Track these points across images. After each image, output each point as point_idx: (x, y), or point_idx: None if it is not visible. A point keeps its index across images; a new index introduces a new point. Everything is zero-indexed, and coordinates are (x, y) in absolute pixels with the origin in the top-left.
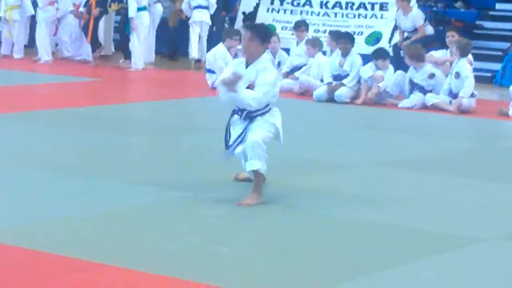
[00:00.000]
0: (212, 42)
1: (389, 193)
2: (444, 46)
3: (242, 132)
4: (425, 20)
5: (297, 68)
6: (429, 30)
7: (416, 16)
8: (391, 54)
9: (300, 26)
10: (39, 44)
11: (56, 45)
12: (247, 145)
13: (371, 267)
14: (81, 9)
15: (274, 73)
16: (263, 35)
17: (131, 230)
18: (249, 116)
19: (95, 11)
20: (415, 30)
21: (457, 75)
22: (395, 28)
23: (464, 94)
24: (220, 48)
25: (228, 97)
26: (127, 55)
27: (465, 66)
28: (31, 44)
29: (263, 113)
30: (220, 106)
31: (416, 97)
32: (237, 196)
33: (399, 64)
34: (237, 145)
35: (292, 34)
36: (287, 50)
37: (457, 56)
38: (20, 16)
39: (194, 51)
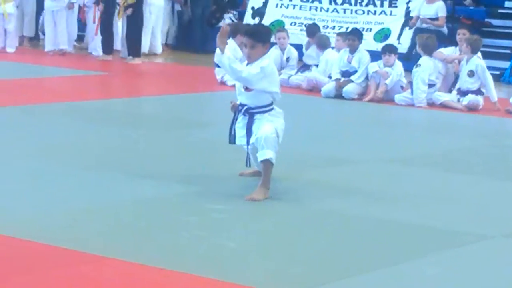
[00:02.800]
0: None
1: (395, 189)
2: (453, 43)
3: (246, 133)
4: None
5: (308, 66)
6: (444, 29)
7: (441, 6)
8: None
9: (315, 32)
10: (45, 34)
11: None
12: (260, 139)
13: (377, 263)
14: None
15: (258, 68)
16: (264, 38)
17: (136, 223)
18: (248, 112)
19: (100, 7)
20: (435, 19)
21: (471, 73)
22: (404, 25)
23: (492, 93)
24: (231, 43)
25: (220, 60)
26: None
27: (482, 63)
28: (36, 37)
29: (263, 112)
30: (229, 101)
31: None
32: (244, 191)
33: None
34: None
35: (301, 30)
36: (295, 46)
37: (468, 53)
38: (14, 9)
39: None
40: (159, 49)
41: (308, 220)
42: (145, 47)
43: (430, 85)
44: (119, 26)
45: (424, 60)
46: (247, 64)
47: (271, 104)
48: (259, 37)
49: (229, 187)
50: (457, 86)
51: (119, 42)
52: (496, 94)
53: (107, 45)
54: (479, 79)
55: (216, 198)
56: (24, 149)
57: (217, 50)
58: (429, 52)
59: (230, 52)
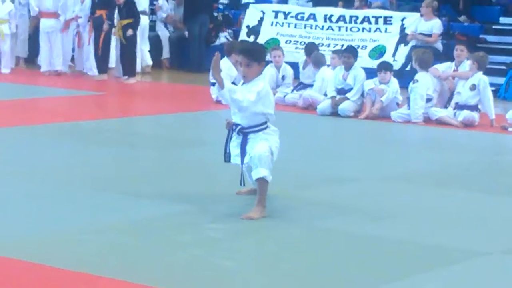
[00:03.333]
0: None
1: (392, 206)
2: (448, 59)
3: (241, 153)
4: (439, 35)
5: (306, 86)
6: (438, 45)
7: (436, 23)
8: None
9: (313, 51)
10: (41, 55)
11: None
12: (254, 158)
13: (375, 281)
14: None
15: (255, 93)
16: (259, 56)
17: (134, 243)
18: (242, 131)
19: (105, 26)
20: (429, 36)
21: (473, 87)
22: (400, 41)
23: (491, 110)
24: (225, 62)
25: (221, 94)
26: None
27: (485, 79)
28: (31, 57)
29: (257, 131)
30: (225, 120)
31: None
32: (241, 209)
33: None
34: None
35: (296, 48)
36: (291, 64)
37: (474, 70)
38: (10, 30)
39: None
40: (149, 60)
41: (306, 238)
42: (137, 66)
43: (427, 100)
44: (112, 45)
45: (421, 75)
46: (243, 83)
47: (265, 123)
48: (255, 56)
49: (226, 206)
50: (454, 101)
51: (112, 60)
52: (494, 111)
53: (103, 64)
54: (479, 95)
55: (213, 217)
56: (19, 170)
57: (210, 75)
58: (426, 67)
59: (225, 73)
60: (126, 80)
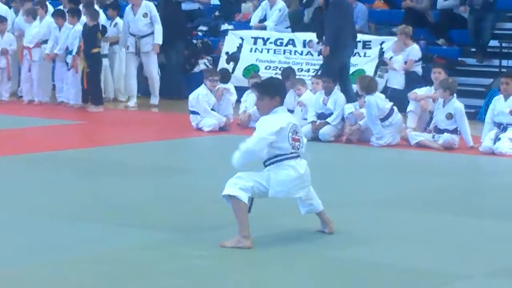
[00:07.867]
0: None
1: (375, 231)
2: (428, 83)
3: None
4: (418, 60)
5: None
6: (418, 69)
7: (412, 50)
8: None
9: (289, 75)
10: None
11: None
12: None
13: None
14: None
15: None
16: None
17: (118, 273)
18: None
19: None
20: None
21: (450, 115)
22: (378, 66)
23: (468, 138)
24: (202, 89)
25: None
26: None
27: (460, 107)
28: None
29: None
30: (207, 147)
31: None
32: (228, 237)
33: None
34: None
35: (276, 74)
36: None
37: (447, 96)
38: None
39: None
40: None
41: (291, 265)
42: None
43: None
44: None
45: (367, 99)
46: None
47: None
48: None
49: (212, 234)
50: (433, 124)
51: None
52: (471, 138)
53: (98, 96)
54: (456, 122)
55: (198, 244)
56: (4, 201)
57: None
58: (371, 91)
59: (203, 100)
60: (92, 109)
